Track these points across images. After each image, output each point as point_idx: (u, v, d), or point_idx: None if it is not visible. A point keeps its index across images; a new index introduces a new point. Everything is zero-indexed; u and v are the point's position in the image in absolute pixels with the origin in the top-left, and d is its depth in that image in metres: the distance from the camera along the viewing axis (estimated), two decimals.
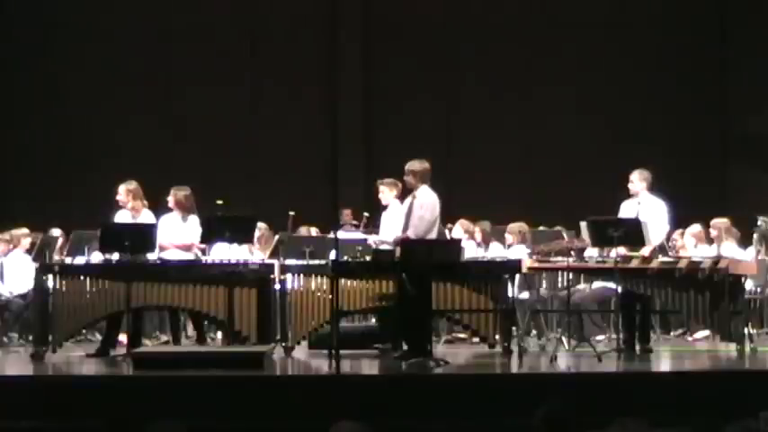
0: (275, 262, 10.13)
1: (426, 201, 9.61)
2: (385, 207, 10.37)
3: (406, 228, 9.67)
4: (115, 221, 10.29)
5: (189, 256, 10.43)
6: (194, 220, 10.37)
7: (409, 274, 9.22)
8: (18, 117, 15.86)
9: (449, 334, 11.39)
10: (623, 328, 9.84)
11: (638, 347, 9.83)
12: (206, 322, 10.51)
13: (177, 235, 10.40)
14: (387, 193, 10.26)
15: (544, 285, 10.66)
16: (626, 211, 10.11)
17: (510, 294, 9.92)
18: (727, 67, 15.92)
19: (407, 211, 9.72)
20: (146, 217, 10.33)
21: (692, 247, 11.82)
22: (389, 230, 10.10)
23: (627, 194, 10.22)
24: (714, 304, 9.52)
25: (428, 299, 9.15)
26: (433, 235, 9.61)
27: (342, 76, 16.03)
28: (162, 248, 10.38)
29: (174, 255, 10.34)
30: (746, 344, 9.62)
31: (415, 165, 9.72)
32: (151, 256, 10.08)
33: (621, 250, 9.65)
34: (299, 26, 16.10)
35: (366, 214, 13.39)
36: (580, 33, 15.89)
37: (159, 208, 10.61)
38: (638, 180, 10.07)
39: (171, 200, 10.47)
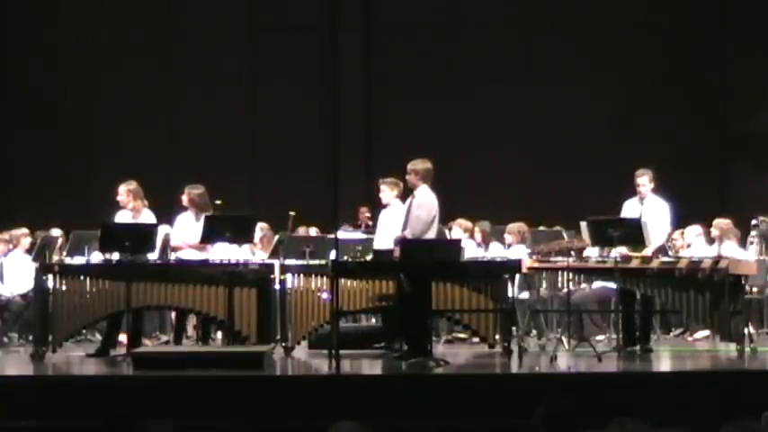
0: (275, 262, 10.12)
1: (424, 200, 9.60)
2: (385, 206, 10.36)
3: (404, 227, 9.66)
4: (115, 221, 10.28)
5: (203, 255, 10.35)
6: None
7: (408, 274, 9.23)
8: (18, 117, 15.86)
9: (449, 334, 11.38)
10: (621, 328, 9.84)
11: (638, 347, 9.83)
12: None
13: (191, 234, 10.37)
14: (387, 192, 10.25)
15: (544, 285, 10.65)
16: (629, 210, 10.11)
17: (510, 294, 9.92)
18: (728, 66, 15.92)
19: (406, 211, 9.72)
20: (146, 217, 10.31)
21: (698, 246, 11.76)
22: (388, 230, 10.09)
23: (627, 194, 10.22)
24: (714, 304, 9.51)
25: (427, 299, 9.14)
26: (430, 235, 9.58)
27: (342, 76, 16.03)
28: (176, 249, 10.35)
29: (188, 255, 10.29)
30: (746, 344, 9.61)
31: (417, 164, 9.72)
32: (151, 256, 10.07)
33: (623, 250, 9.65)
34: (299, 26, 16.09)
35: (367, 214, 13.42)
36: (580, 34, 15.90)
37: (159, 208, 10.60)
38: (648, 182, 10.07)
39: (185, 198, 10.44)
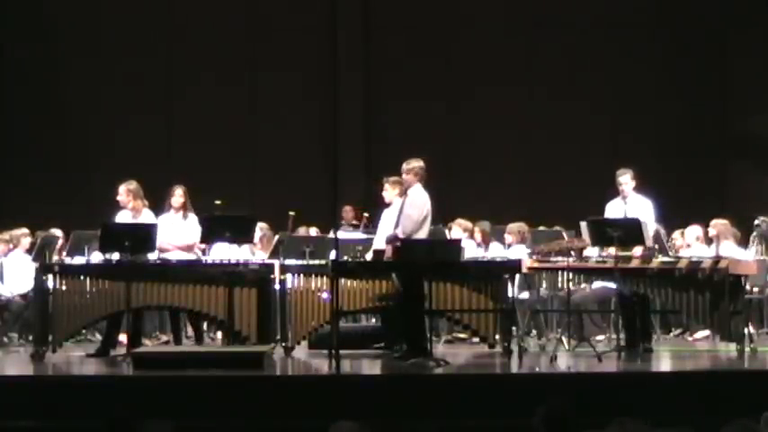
0: (275, 262, 10.12)
1: (416, 200, 9.57)
2: (387, 205, 10.34)
3: (396, 226, 9.64)
4: (115, 221, 10.28)
5: (190, 256, 10.41)
6: (194, 219, 10.37)
7: (402, 274, 9.24)
8: (18, 117, 15.86)
9: (449, 334, 11.38)
10: (624, 327, 9.85)
11: (639, 347, 9.83)
12: (206, 322, 10.52)
13: (178, 235, 10.39)
14: (390, 191, 10.20)
15: (544, 285, 10.65)
16: (613, 211, 10.10)
17: (510, 294, 9.92)
18: (728, 66, 15.92)
19: (399, 210, 9.70)
20: (146, 217, 10.31)
21: (697, 246, 11.74)
22: (389, 229, 10.08)
23: (616, 194, 10.19)
24: (714, 304, 9.52)
25: (421, 298, 9.14)
26: (421, 234, 9.53)
27: (342, 77, 16.02)
28: (163, 250, 10.36)
29: (175, 256, 10.33)
30: (746, 344, 9.61)
31: (412, 163, 9.69)
32: (151, 256, 10.07)
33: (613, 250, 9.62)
34: (299, 26, 16.09)
35: (366, 214, 13.41)
36: (580, 33, 15.89)
37: (159, 208, 10.59)
38: (630, 180, 10.08)
39: (180, 199, 10.45)
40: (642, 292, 9.71)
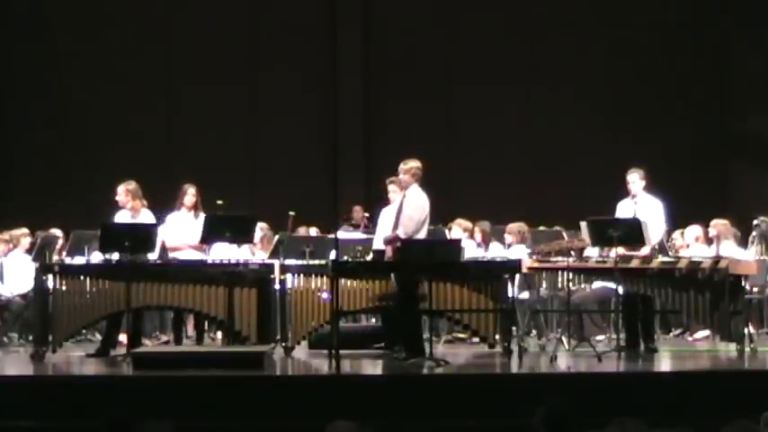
0: (275, 262, 10.12)
1: (416, 201, 9.56)
2: (387, 205, 10.31)
3: (395, 226, 9.63)
4: (115, 221, 10.28)
5: (201, 255, 10.36)
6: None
7: (399, 275, 9.24)
8: (18, 117, 15.87)
9: (449, 334, 11.38)
10: (625, 327, 9.85)
11: (642, 346, 9.84)
12: (206, 322, 10.51)
13: (190, 234, 10.35)
14: (397, 191, 10.19)
15: (544, 285, 10.65)
16: (623, 210, 10.11)
17: (510, 294, 9.91)
18: (728, 67, 15.92)
19: (398, 210, 9.69)
20: (145, 217, 10.31)
21: (697, 246, 11.74)
22: (389, 229, 10.07)
23: (627, 194, 10.22)
24: (714, 304, 9.52)
25: (416, 299, 9.14)
26: (421, 235, 9.53)
27: (342, 77, 16.03)
28: (176, 249, 10.35)
29: (186, 255, 10.30)
30: (746, 344, 9.61)
31: (409, 164, 9.68)
32: (151, 256, 10.07)
33: (620, 249, 9.64)
34: (299, 26, 16.10)
35: (366, 214, 13.41)
36: (580, 33, 15.91)
37: (158, 208, 10.59)
38: (639, 180, 10.09)
39: (192, 198, 10.45)
40: (642, 292, 9.72)
